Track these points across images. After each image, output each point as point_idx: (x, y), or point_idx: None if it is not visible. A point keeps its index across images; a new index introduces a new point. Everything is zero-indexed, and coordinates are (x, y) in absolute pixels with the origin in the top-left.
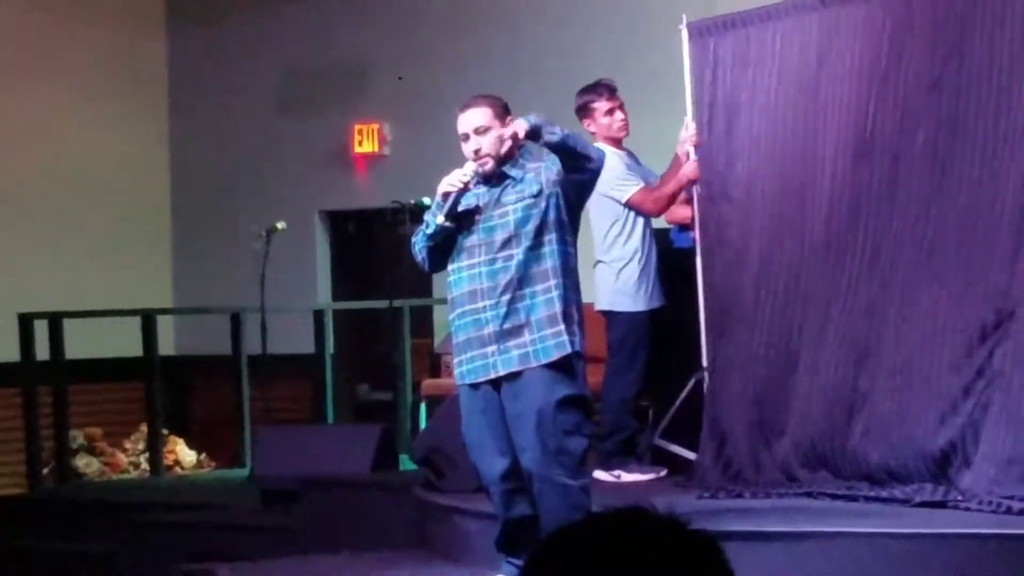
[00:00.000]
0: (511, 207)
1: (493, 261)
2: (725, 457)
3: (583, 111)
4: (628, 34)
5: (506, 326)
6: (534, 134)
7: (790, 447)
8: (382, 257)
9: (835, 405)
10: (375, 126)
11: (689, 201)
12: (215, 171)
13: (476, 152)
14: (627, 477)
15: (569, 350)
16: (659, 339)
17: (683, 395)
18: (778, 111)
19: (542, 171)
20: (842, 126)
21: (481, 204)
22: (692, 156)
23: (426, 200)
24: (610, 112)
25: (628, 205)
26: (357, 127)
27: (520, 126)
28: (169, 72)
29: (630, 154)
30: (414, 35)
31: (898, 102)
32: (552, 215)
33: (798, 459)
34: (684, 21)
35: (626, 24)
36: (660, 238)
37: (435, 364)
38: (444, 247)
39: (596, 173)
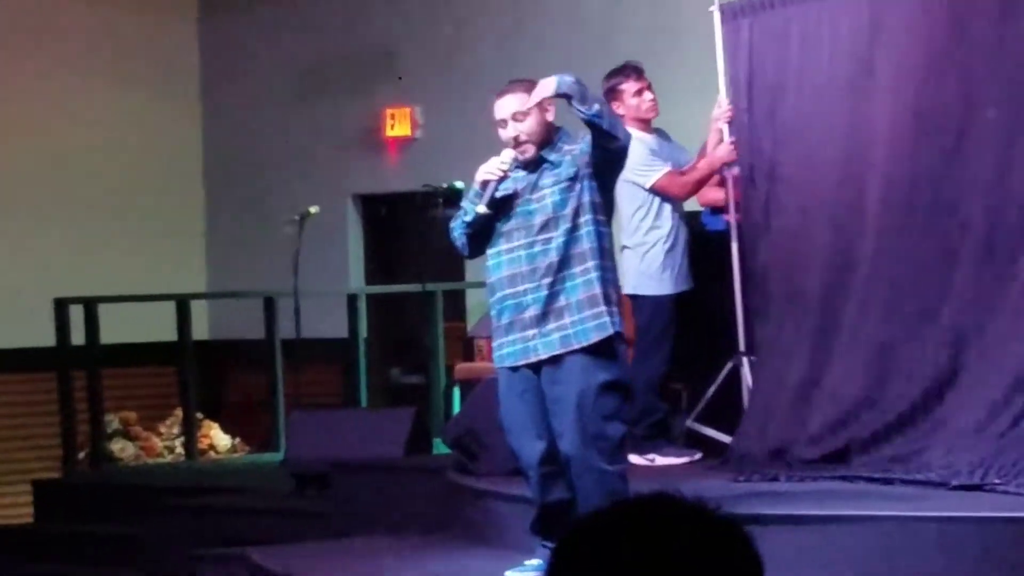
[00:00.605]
0: (548, 190)
1: (532, 244)
2: (767, 439)
3: (611, 93)
4: (658, 15)
5: (547, 309)
6: (564, 97)
7: (834, 430)
8: (414, 241)
9: (885, 389)
10: (407, 110)
11: (722, 183)
12: (248, 156)
13: (515, 139)
14: (661, 460)
15: (611, 331)
16: (692, 322)
17: (720, 379)
18: (831, 90)
19: (577, 154)
20: (900, 103)
21: (519, 189)
22: (726, 135)
23: (458, 184)
24: (638, 93)
25: (653, 190)
26: (389, 111)
27: (548, 86)
28: (201, 57)
29: (660, 134)
30: (445, 18)
31: (962, 76)
32: (587, 196)
33: (840, 443)
34: (716, 3)
35: (657, 4)
36: (692, 221)
37: (468, 348)
38: (483, 233)
39: (621, 152)
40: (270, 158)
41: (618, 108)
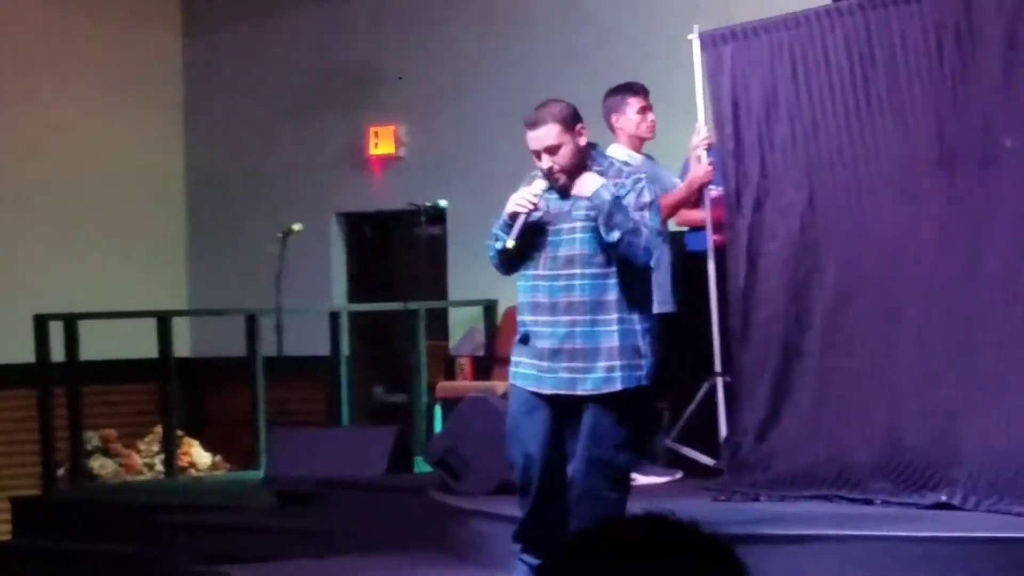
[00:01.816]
0: (579, 224)
1: (556, 278)
2: (747, 460)
3: (614, 107)
4: (643, 40)
5: (562, 347)
6: (595, 207)
7: (816, 453)
8: (398, 259)
9: (871, 411)
10: (391, 128)
11: (698, 204)
12: (231, 173)
13: (549, 170)
14: (642, 480)
15: (619, 387)
16: (674, 343)
17: (697, 399)
18: (825, 116)
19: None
20: (902, 131)
21: (551, 215)
22: (704, 160)
23: (441, 202)
24: (642, 111)
25: None
26: (373, 129)
27: (586, 188)
28: (185, 74)
29: (648, 158)
30: (429, 37)
31: (971, 104)
32: None
33: (826, 465)
34: (695, 30)
35: (641, 30)
36: (674, 242)
37: (450, 366)
38: (515, 258)
39: (643, 266)
40: (253, 175)
41: (617, 121)
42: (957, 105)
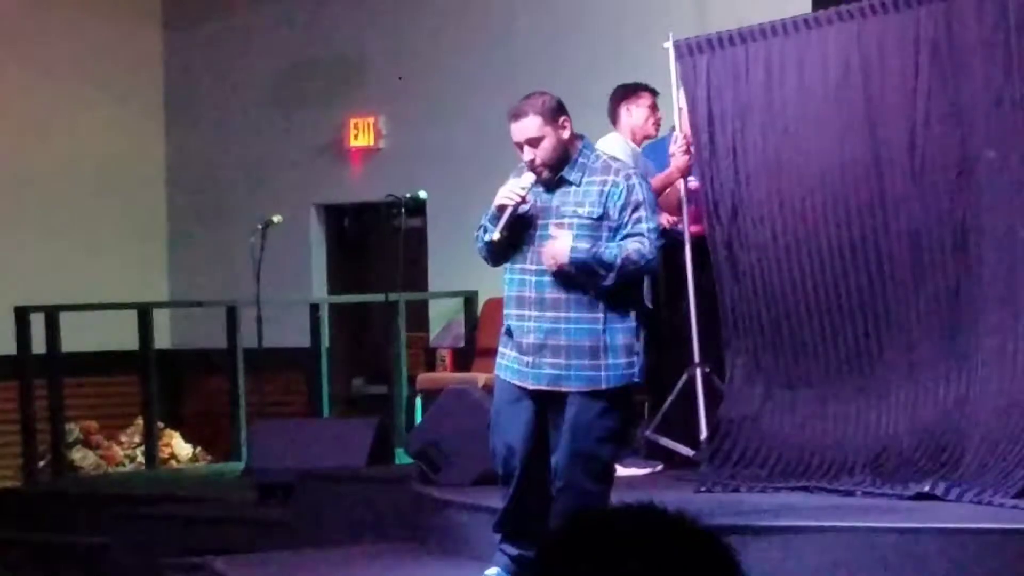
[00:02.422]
0: (567, 220)
1: (542, 273)
2: (731, 453)
3: (628, 96)
4: (622, 38)
5: (546, 342)
6: (579, 271)
7: (800, 446)
8: (377, 251)
9: (854, 405)
10: (370, 120)
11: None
12: (211, 165)
13: (531, 162)
14: (623, 471)
15: (603, 386)
16: (653, 333)
17: (676, 390)
18: (799, 125)
19: (607, 194)
20: (872, 138)
21: (538, 210)
22: (678, 155)
23: (421, 194)
24: (653, 108)
25: None
26: (352, 121)
27: (562, 253)
28: (165, 65)
29: (639, 155)
30: (409, 29)
31: (936, 110)
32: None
33: (809, 457)
34: (670, 38)
35: (614, 36)
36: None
37: (430, 358)
38: (503, 251)
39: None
40: (233, 167)
41: (626, 109)
42: (933, 117)
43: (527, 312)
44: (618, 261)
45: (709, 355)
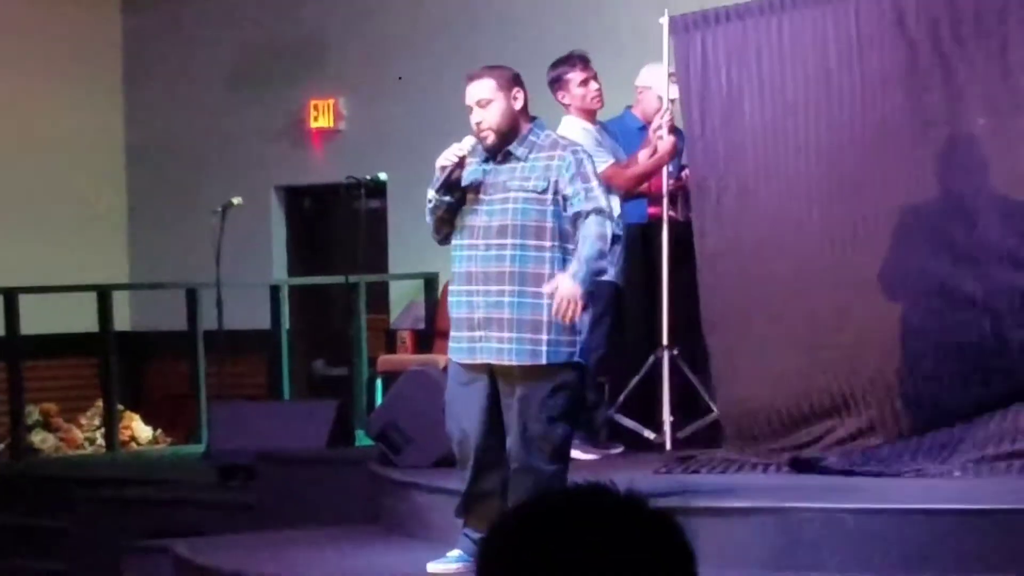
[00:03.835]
0: (512, 194)
1: (488, 247)
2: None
3: (557, 83)
4: (601, 21)
5: (491, 316)
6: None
7: (796, 436)
8: (338, 233)
9: (851, 385)
10: (331, 101)
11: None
12: (171, 147)
13: (477, 124)
14: (582, 456)
15: (543, 361)
16: (617, 316)
17: (642, 372)
18: (792, 102)
19: (553, 169)
20: (869, 117)
21: (485, 184)
22: (665, 137)
23: (381, 175)
24: (584, 83)
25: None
26: (313, 102)
27: (573, 294)
28: (124, 47)
29: (602, 127)
30: (370, 11)
31: (932, 88)
32: (556, 222)
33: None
34: (665, 14)
35: (601, 10)
36: None
37: (391, 340)
38: (449, 220)
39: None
40: (193, 149)
41: (563, 97)
42: (928, 90)
43: (474, 287)
44: (596, 247)
45: (676, 338)
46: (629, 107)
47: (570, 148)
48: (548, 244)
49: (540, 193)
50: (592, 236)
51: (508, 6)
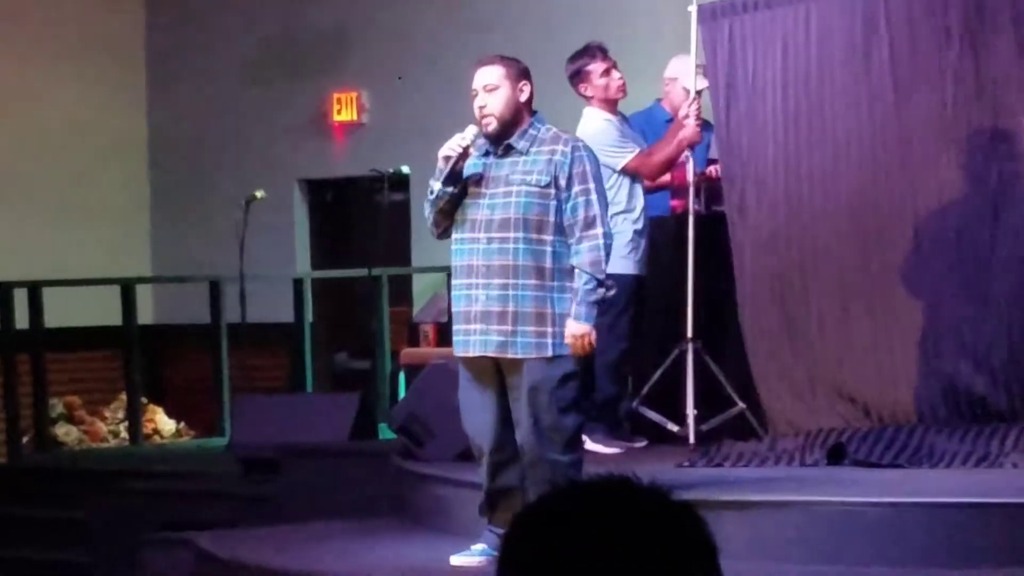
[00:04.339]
0: (515, 188)
1: (491, 241)
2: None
3: (578, 76)
4: (612, 8)
5: (492, 309)
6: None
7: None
8: (361, 226)
9: (878, 373)
10: (353, 94)
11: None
12: (194, 140)
13: (480, 109)
14: (590, 445)
15: (549, 353)
16: (640, 308)
17: (666, 364)
18: (820, 91)
19: (555, 163)
20: (906, 106)
21: (486, 177)
22: (691, 123)
23: (404, 168)
24: (606, 73)
25: (624, 171)
26: (336, 95)
27: (583, 333)
28: (147, 40)
29: (623, 119)
30: (394, 3)
31: (982, 80)
32: (557, 216)
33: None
34: (694, 2)
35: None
36: None
37: (413, 333)
38: (449, 213)
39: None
40: (216, 142)
41: (585, 90)
42: (965, 81)
43: (475, 280)
44: (590, 279)
45: (700, 331)
46: (659, 100)
47: (571, 143)
48: (549, 238)
49: (543, 187)
50: (585, 265)
51: (529, 1)
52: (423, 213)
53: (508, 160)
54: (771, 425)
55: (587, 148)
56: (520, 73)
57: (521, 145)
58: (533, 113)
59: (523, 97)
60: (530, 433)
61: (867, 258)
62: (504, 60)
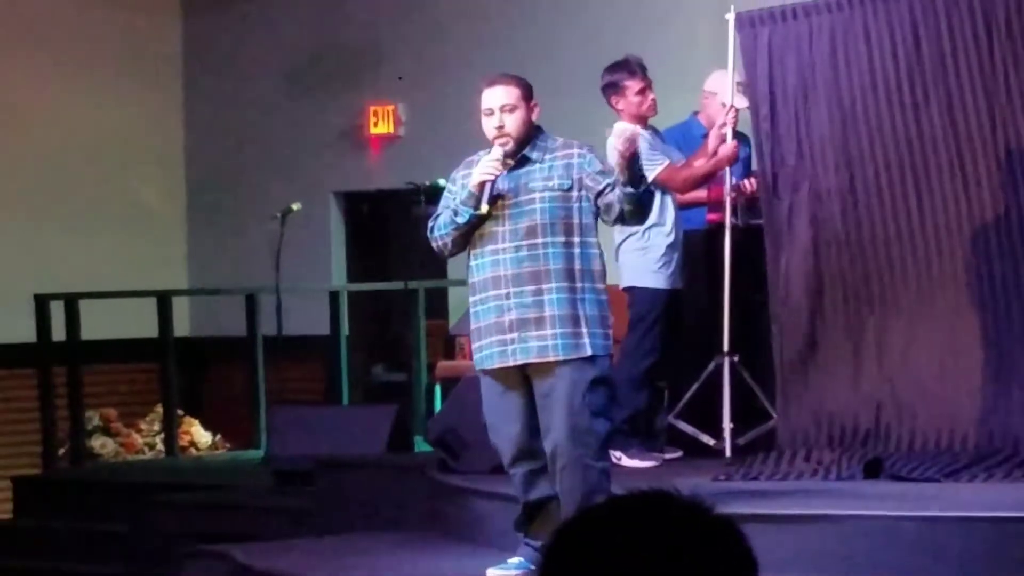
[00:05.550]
0: (538, 195)
1: (518, 249)
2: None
3: (613, 88)
4: (647, 18)
5: (528, 316)
6: (631, 167)
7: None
8: (396, 238)
9: (919, 396)
10: (390, 107)
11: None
12: (230, 152)
13: (499, 128)
14: (627, 462)
15: (588, 353)
16: (676, 321)
17: (702, 379)
18: (868, 99)
19: (574, 166)
20: (950, 116)
21: (506, 190)
22: (729, 138)
23: (441, 181)
24: (642, 91)
25: (655, 183)
26: (372, 108)
27: (627, 132)
28: (184, 52)
29: (655, 132)
30: (429, 15)
31: (1014, 83)
32: (580, 218)
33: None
34: (732, 11)
35: (646, 8)
36: None
37: (449, 346)
38: (470, 234)
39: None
40: (252, 155)
41: (618, 103)
42: (1009, 93)
43: (505, 291)
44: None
45: (736, 345)
46: (695, 113)
47: (585, 145)
48: (576, 240)
49: (566, 191)
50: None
51: (568, 11)
52: (428, 234)
53: (523, 170)
54: (781, 440)
55: (593, 150)
56: (530, 92)
57: (534, 155)
58: (538, 128)
59: (533, 116)
60: (564, 436)
61: (920, 279)
62: (517, 80)
